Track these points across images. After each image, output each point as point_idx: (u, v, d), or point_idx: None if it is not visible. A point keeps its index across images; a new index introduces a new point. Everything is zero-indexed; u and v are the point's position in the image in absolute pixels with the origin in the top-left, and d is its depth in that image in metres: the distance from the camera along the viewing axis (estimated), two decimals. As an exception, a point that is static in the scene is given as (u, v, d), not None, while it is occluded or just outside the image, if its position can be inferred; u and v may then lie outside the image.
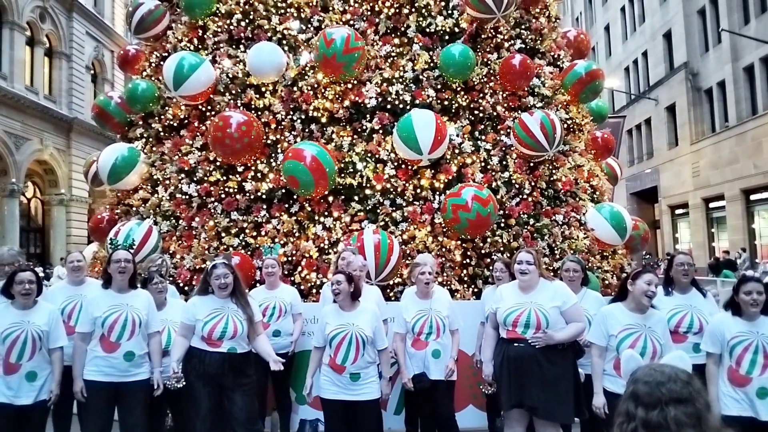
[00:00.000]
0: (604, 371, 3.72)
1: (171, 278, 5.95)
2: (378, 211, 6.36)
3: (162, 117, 7.07)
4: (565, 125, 7.13)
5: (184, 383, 3.94)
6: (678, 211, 26.62)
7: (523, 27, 7.30)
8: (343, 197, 6.40)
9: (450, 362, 4.44)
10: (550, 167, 6.90)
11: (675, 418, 1.49)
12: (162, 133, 7.06)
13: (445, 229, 6.28)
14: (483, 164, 6.64)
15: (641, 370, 1.64)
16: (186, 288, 6.00)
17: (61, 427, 4.80)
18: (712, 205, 23.56)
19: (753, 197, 21.00)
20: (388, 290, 5.99)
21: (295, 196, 6.41)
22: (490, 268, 5.65)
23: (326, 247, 6.21)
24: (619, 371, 3.57)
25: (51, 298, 4.73)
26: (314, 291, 6.02)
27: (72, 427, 4.74)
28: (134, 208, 6.92)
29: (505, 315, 3.96)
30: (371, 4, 6.94)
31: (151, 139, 7.16)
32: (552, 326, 3.87)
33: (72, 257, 4.93)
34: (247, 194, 6.50)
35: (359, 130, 6.63)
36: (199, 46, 7.14)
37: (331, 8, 7.01)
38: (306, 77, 6.73)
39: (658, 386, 1.55)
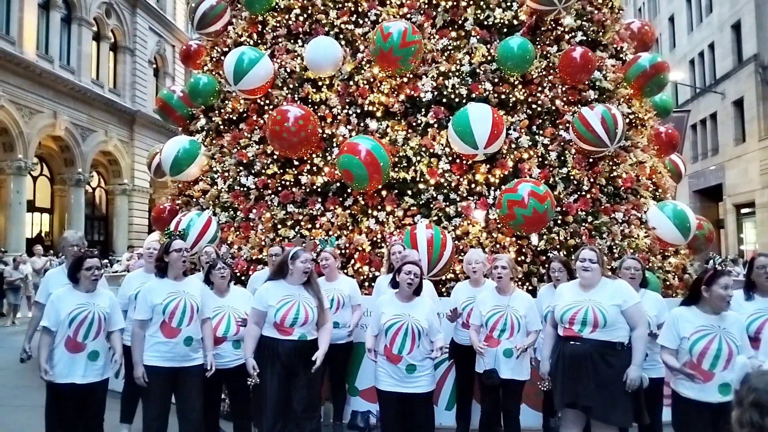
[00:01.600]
0: (678, 377, 3.57)
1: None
2: (431, 205, 6.33)
3: (222, 110, 7.25)
4: (627, 120, 6.91)
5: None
6: (744, 210, 25.41)
7: (584, 18, 7.09)
8: (396, 191, 6.41)
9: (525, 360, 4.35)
10: (611, 163, 6.70)
11: None
12: (222, 127, 7.25)
13: (499, 225, 6.20)
14: (540, 159, 6.51)
15: (757, 378, 1.58)
16: (243, 278, 6.14)
17: (127, 409, 5.02)
18: (781, 204, 22.39)
19: (827, 197, 19.84)
20: (440, 285, 5.96)
21: (349, 190, 6.46)
22: (546, 266, 5.53)
23: (379, 240, 6.24)
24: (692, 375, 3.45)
25: (127, 284, 4.96)
26: (366, 284, 6.06)
27: (138, 410, 4.94)
28: (194, 199, 7.13)
29: (562, 312, 3.88)
30: (428, -3, 6.89)
31: (211, 132, 7.35)
32: (610, 325, 3.75)
33: (150, 245, 5.13)
34: (303, 187, 6.59)
35: (414, 124, 6.61)
36: (259, 41, 7.28)
37: (388, 2, 7.00)
38: (362, 71, 6.75)
39: None
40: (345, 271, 6.10)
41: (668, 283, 6.47)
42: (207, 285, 4.60)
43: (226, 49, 7.39)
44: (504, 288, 4.40)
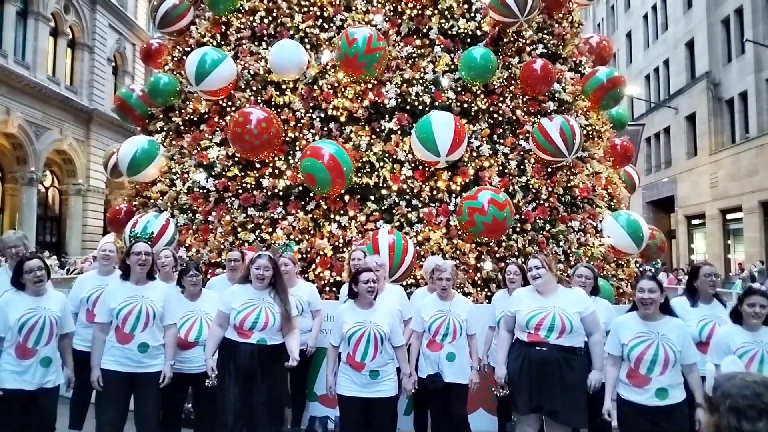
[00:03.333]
0: (620, 380, 3.70)
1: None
2: (394, 211, 6.37)
3: (182, 111, 7.14)
4: (585, 131, 7.09)
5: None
6: (694, 222, 26.34)
7: (545, 32, 7.27)
8: (359, 196, 6.42)
9: (473, 374, 4.41)
10: (568, 173, 6.87)
11: None
12: (182, 127, 7.13)
13: (460, 232, 6.27)
14: (500, 168, 6.62)
15: (728, 383, 1.65)
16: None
17: (77, 415, 4.87)
18: (729, 216, 23.28)
19: (772, 210, 20.73)
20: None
21: (311, 194, 6.44)
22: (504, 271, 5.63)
23: (341, 245, 6.23)
24: (632, 380, 3.60)
25: (78, 286, 4.82)
26: (327, 289, 6.04)
27: (88, 416, 4.81)
28: (152, 201, 6.99)
29: (528, 318, 3.96)
30: (394, 5, 6.95)
31: (171, 133, 7.22)
32: (575, 331, 3.90)
33: (104, 246, 5.00)
34: (264, 190, 6.53)
35: (378, 130, 6.64)
36: (222, 42, 7.20)
37: (354, 8, 7.03)
38: (327, 76, 6.75)
39: (759, 397, 1.58)
40: (306, 275, 6.07)
41: (621, 290, 6.66)
42: (180, 288, 4.61)
43: (189, 49, 7.28)
44: (445, 294, 4.47)
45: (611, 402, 3.72)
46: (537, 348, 3.92)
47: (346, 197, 6.40)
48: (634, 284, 6.25)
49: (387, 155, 6.47)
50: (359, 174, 6.39)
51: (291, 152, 6.64)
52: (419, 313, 4.48)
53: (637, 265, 7.43)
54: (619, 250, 6.83)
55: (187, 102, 7.17)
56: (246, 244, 6.26)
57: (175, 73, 7.39)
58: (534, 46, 7.14)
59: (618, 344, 3.69)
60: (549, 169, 6.75)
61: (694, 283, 4.22)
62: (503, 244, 6.35)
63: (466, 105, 6.68)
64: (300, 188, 6.47)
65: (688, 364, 3.58)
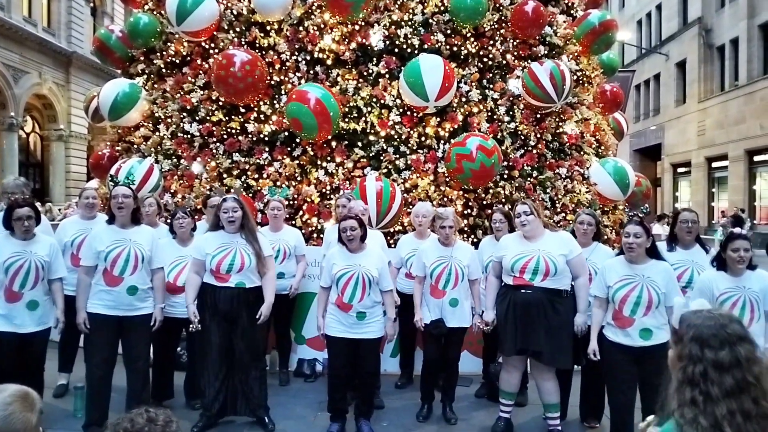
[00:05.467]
0: (606, 321, 3.79)
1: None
2: (381, 158, 6.31)
3: (164, 53, 6.93)
4: (575, 77, 7.00)
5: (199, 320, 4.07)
6: (680, 170, 26.56)
7: (537, -28, 7.05)
8: (346, 142, 6.34)
9: (476, 318, 4.44)
10: (557, 119, 6.81)
11: (746, 355, 1.57)
12: (164, 70, 6.93)
13: (447, 179, 6.25)
14: (489, 114, 6.55)
15: (694, 316, 1.68)
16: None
17: (66, 355, 4.92)
18: (714, 164, 23.49)
19: (756, 158, 20.91)
20: (389, 237, 6.00)
21: (297, 140, 6.35)
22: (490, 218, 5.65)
23: (328, 192, 6.20)
24: (616, 321, 3.69)
25: (62, 231, 4.78)
26: (315, 235, 6.04)
27: (77, 360, 4.86)
28: (135, 146, 6.86)
29: (513, 261, 4.01)
30: (382, -57, 6.68)
31: (152, 76, 7.03)
32: (560, 273, 3.95)
33: (87, 193, 4.97)
34: (250, 136, 6.43)
35: (365, 73, 6.50)
36: (203, -20, 6.90)
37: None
38: (312, 17, 6.55)
39: (723, 327, 1.61)
40: (293, 222, 6.06)
41: (606, 237, 6.72)
42: (172, 235, 4.68)
43: (169, -12, 6.99)
44: (447, 241, 4.47)
45: (596, 342, 3.80)
46: (522, 291, 3.99)
47: (333, 143, 6.31)
48: (620, 230, 6.32)
49: (375, 100, 6.36)
50: (346, 119, 6.29)
51: (276, 96, 6.50)
52: (420, 258, 4.49)
53: (626, 212, 7.49)
54: (606, 197, 6.87)
55: (169, 44, 6.94)
56: (231, 189, 6.19)
57: (155, 13, 7.12)
58: (526, -13, 6.94)
59: (604, 287, 3.77)
60: (538, 115, 6.69)
61: (674, 230, 4.29)
62: (490, 191, 6.35)
63: (455, 48, 6.54)
64: (286, 134, 6.37)
65: (671, 305, 3.65)
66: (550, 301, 3.95)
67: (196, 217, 6.16)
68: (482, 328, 4.40)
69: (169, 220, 4.95)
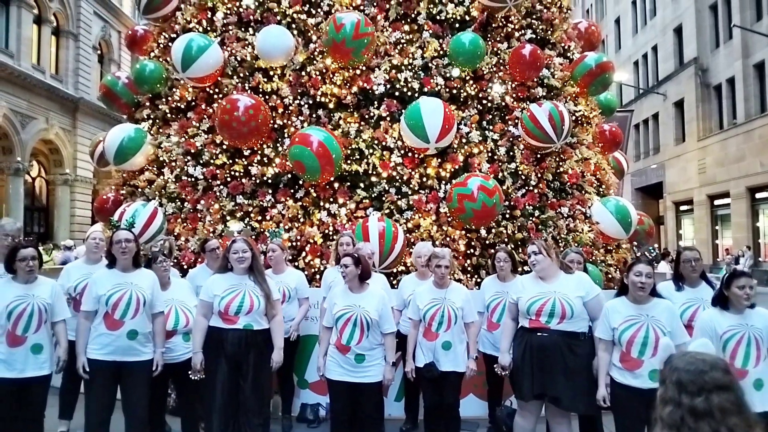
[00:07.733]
0: (613, 364, 3.70)
1: (175, 260, 5.97)
2: (383, 198, 6.35)
3: (169, 98, 7.06)
4: (574, 117, 7.09)
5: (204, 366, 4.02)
6: (683, 208, 26.56)
7: (534, 17, 7.24)
8: (348, 184, 6.39)
9: (470, 362, 4.37)
10: (557, 159, 6.87)
11: (719, 405, 1.54)
12: (169, 115, 7.05)
13: (449, 219, 6.27)
14: (490, 154, 6.61)
15: (678, 358, 1.67)
16: (189, 270, 6.00)
17: (66, 401, 4.86)
18: (717, 202, 23.49)
19: (759, 195, 20.94)
20: (392, 278, 5.99)
21: (300, 182, 6.40)
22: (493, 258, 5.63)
23: (330, 233, 6.21)
24: (624, 363, 3.60)
25: (65, 276, 4.78)
26: (318, 276, 6.03)
27: (78, 405, 4.79)
28: (140, 190, 6.93)
29: (529, 304, 3.93)
30: (382, -10, 6.88)
31: (158, 121, 7.15)
32: (577, 316, 3.86)
33: (94, 234, 4.99)
34: (253, 178, 6.49)
35: (367, 116, 6.60)
36: (208, 28, 7.11)
37: (341, -7, 6.95)
38: (315, 62, 6.69)
39: (701, 374, 1.59)
40: (295, 263, 6.05)
41: (610, 276, 6.69)
42: None
43: (174, 36, 7.18)
44: (441, 282, 4.43)
45: (605, 387, 3.70)
46: (538, 334, 3.89)
47: (336, 185, 6.37)
48: (625, 269, 6.30)
49: (376, 142, 6.44)
50: (348, 161, 6.36)
51: (279, 139, 6.59)
52: (414, 301, 4.45)
53: (634, 251, 7.44)
54: (608, 236, 6.86)
55: (174, 89, 7.09)
56: (236, 232, 6.19)
57: (161, 60, 7.30)
58: (523, 31, 7.12)
59: (609, 329, 3.68)
60: (538, 155, 6.75)
61: (679, 269, 4.26)
62: (493, 230, 6.36)
63: (455, 91, 6.65)
64: (289, 176, 6.43)
65: (677, 344, 3.59)
66: (567, 344, 3.83)
67: (200, 260, 6.18)
68: (500, 373, 4.26)
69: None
